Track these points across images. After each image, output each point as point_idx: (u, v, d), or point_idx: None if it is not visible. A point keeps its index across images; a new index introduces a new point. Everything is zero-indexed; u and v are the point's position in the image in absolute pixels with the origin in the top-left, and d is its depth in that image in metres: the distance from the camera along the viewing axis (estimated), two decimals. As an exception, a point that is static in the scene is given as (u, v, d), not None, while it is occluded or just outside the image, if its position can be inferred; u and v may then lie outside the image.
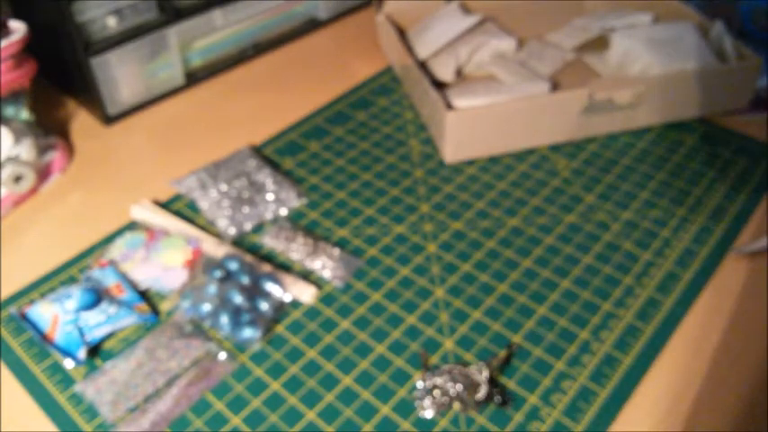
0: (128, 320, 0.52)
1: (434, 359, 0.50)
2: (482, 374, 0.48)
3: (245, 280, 0.54)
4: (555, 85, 0.76)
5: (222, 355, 0.50)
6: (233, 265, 0.54)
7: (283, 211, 0.62)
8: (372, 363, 0.51)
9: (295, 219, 0.62)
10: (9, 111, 0.63)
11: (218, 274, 0.54)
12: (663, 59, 0.71)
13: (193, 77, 0.80)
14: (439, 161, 0.68)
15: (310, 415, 0.47)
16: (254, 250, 0.59)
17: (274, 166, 0.68)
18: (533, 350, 0.51)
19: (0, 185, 0.62)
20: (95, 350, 0.52)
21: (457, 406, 0.47)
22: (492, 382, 0.48)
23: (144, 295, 0.55)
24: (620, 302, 0.54)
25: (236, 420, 0.47)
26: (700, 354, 0.51)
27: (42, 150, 0.66)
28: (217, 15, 0.78)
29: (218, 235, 0.60)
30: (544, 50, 0.80)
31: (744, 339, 0.52)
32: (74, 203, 0.66)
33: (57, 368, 0.51)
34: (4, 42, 0.59)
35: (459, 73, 0.78)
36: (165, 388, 0.49)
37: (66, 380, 0.50)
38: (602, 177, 0.66)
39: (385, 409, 0.48)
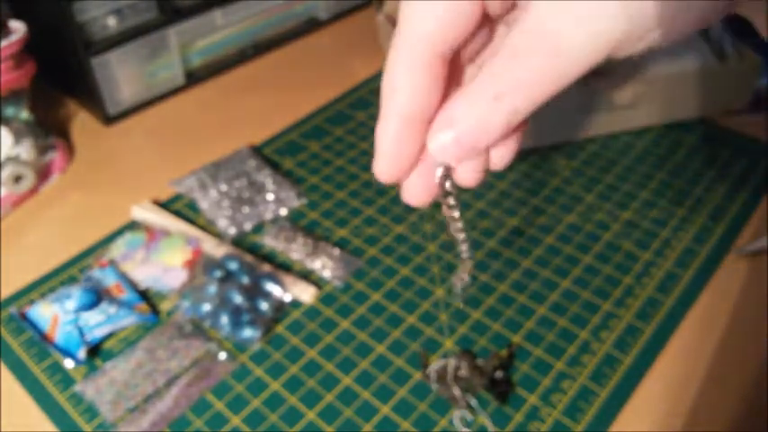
0: (128, 320, 0.52)
1: (434, 359, 0.50)
2: (489, 364, 0.48)
3: (245, 280, 0.54)
4: (555, 85, 0.75)
5: (222, 355, 0.50)
6: (233, 265, 0.54)
7: (283, 211, 0.62)
8: (372, 363, 0.51)
9: (295, 219, 0.62)
10: (9, 111, 0.63)
11: (218, 274, 0.54)
12: (663, 59, 0.71)
13: (193, 77, 0.80)
14: (439, 161, 0.68)
15: (310, 415, 0.47)
16: (254, 250, 0.59)
17: (274, 166, 0.68)
18: (533, 350, 0.51)
19: (0, 185, 0.62)
20: (95, 350, 0.52)
21: (457, 391, 0.47)
22: (497, 373, 0.48)
23: (144, 295, 0.55)
24: (620, 302, 0.54)
25: (236, 420, 0.47)
26: (700, 354, 0.51)
27: (42, 150, 0.66)
28: (217, 15, 0.78)
29: (218, 235, 0.60)
30: (544, 50, 0.80)
31: (744, 339, 0.52)
32: (74, 203, 0.66)
33: (57, 368, 0.51)
34: (4, 42, 0.59)
35: (459, 73, 0.78)
36: (165, 388, 0.49)
37: (66, 380, 0.50)
38: (602, 177, 0.66)
39: (385, 409, 0.48)
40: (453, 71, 0.25)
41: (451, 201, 0.26)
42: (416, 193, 0.26)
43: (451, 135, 0.23)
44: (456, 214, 0.26)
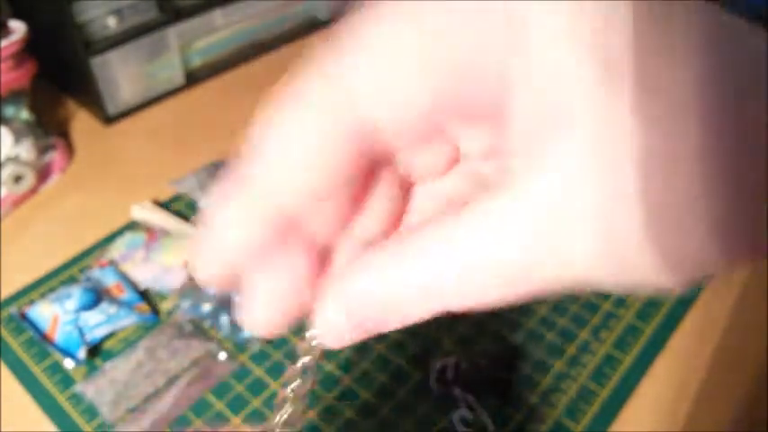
0: (128, 320, 0.52)
1: (434, 359, 0.50)
2: (489, 364, 0.48)
3: (245, 280, 0.54)
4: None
5: (222, 355, 0.50)
6: (233, 265, 0.54)
7: (283, 211, 0.62)
8: (372, 363, 0.51)
9: (295, 219, 0.62)
10: (9, 111, 0.63)
11: (218, 274, 0.54)
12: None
13: (193, 77, 0.80)
14: (439, 161, 0.68)
15: (310, 415, 0.47)
16: (254, 250, 0.59)
17: (274, 166, 0.68)
18: (533, 350, 0.51)
19: (0, 185, 0.62)
20: (95, 350, 0.52)
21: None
22: (497, 373, 0.48)
23: (144, 295, 0.55)
24: (620, 302, 0.54)
25: (236, 420, 0.47)
26: (699, 354, 0.51)
27: (42, 150, 0.66)
28: (217, 15, 0.78)
29: (218, 235, 0.60)
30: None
31: (743, 339, 0.52)
32: (74, 203, 0.66)
33: (57, 368, 0.51)
34: (4, 42, 0.59)
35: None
36: (165, 388, 0.49)
37: (66, 380, 0.50)
38: (602, 177, 0.66)
39: (385, 409, 0.48)
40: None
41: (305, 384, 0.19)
42: (263, 316, 0.18)
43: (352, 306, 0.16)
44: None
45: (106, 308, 0.52)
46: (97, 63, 0.70)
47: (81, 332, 0.51)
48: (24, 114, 0.64)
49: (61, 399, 0.49)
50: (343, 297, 0.16)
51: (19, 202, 0.65)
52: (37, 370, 0.51)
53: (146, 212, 0.62)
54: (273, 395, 0.49)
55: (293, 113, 0.16)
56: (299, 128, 0.16)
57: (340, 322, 0.16)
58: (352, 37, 0.16)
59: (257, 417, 0.47)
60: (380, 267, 0.16)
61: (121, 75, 0.73)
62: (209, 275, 0.17)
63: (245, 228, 0.16)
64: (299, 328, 0.18)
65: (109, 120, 0.74)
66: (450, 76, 0.15)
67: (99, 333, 0.51)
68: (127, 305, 0.53)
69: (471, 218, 0.15)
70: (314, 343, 0.18)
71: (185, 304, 0.53)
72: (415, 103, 0.16)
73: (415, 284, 0.16)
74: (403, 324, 0.16)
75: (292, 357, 0.19)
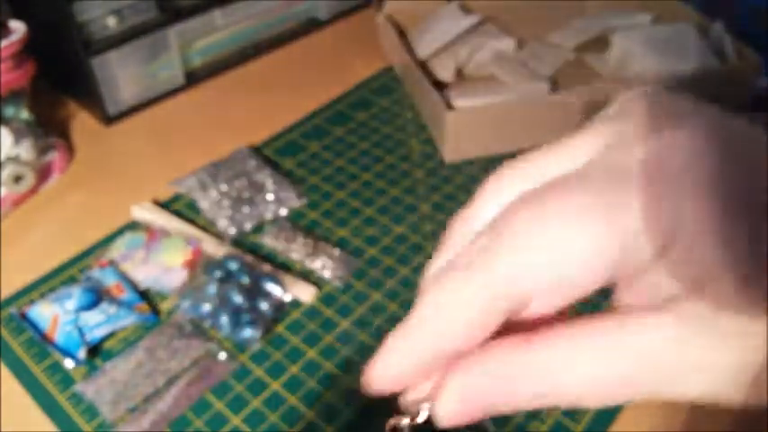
0: (128, 320, 0.52)
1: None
2: None
3: (245, 280, 0.54)
4: (555, 85, 0.76)
5: (222, 355, 0.50)
6: (233, 265, 0.54)
7: (283, 211, 0.62)
8: (372, 363, 0.51)
9: (295, 219, 0.62)
10: (9, 111, 0.63)
11: (218, 274, 0.54)
12: (662, 60, 0.71)
13: (193, 77, 0.80)
14: (439, 161, 0.68)
15: (310, 415, 0.47)
16: (254, 250, 0.59)
17: (274, 166, 0.68)
18: (533, 350, 0.51)
19: (0, 185, 0.62)
20: (95, 350, 0.52)
21: None
22: None
23: (144, 295, 0.55)
24: (620, 302, 0.54)
25: (236, 420, 0.47)
26: (700, 354, 0.51)
27: (42, 150, 0.66)
28: (217, 15, 0.78)
29: (218, 235, 0.60)
30: (544, 51, 0.80)
31: (744, 339, 0.52)
32: (74, 204, 0.66)
33: (57, 368, 0.51)
34: (4, 42, 0.59)
35: (460, 73, 0.78)
36: (165, 388, 0.49)
37: (66, 380, 0.50)
38: (602, 177, 0.66)
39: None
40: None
41: None
42: (394, 375, 0.21)
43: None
44: None
45: (106, 308, 0.52)
46: (97, 63, 0.70)
47: (81, 332, 0.51)
48: (24, 114, 0.64)
49: (61, 399, 0.49)
50: (462, 380, 0.19)
51: (19, 202, 0.65)
52: (37, 370, 0.51)
53: (146, 212, 0.62)
54: (273, 395, 0.49)
55: (461, 288, 0.19)
56: (463, 306, 0.19)
57: (456, 403, 0.19)
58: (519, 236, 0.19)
59: (257, 417, 0.47)
60: (503, 360, 0.19)
61: (121, 75, 0.73)
62: (378, 387, 0.21)
63: (407, 365, 0.20)
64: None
65: (109, 120, 0.74)
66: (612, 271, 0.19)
67: (99, 333, 0.51)
68: (127, 305, 0.53)
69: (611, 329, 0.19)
70: (423, 412, 0.21)
71: (185, 304, 0.53)
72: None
73: (533, 380, 0.18)
74: (510, 411, 0.19)
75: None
